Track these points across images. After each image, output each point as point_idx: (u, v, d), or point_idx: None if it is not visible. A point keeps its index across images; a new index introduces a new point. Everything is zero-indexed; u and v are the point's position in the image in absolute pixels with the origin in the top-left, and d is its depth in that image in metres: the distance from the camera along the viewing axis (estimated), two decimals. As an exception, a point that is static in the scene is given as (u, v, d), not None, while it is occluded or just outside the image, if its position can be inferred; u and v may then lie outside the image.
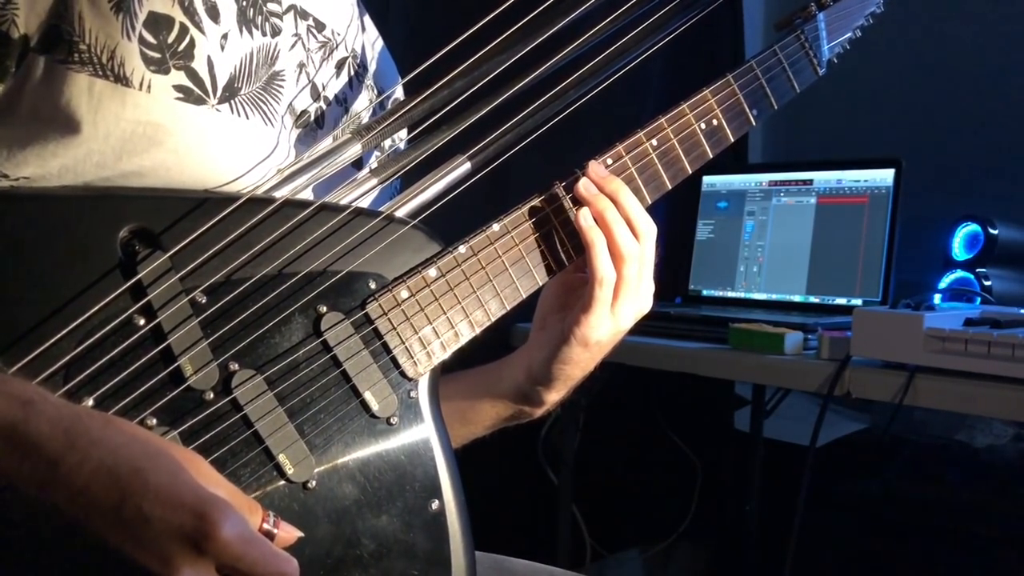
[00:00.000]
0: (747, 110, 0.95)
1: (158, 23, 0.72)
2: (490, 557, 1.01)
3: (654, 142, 0.90)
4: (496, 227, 0.84)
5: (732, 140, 0.95)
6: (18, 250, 0.67)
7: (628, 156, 0.89)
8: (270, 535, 0.62)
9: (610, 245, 0.84)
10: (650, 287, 0.88)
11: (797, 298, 1.88)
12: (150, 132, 0.71)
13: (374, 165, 0.87)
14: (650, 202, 0.90)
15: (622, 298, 0.85)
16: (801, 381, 1.50)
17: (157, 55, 0.72)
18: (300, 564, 0.62)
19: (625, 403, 2.20)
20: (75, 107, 0.70)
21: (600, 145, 0.90)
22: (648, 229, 0.86)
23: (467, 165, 0.84)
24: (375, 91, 0.95)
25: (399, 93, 0.97)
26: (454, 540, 0.77)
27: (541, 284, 0.86)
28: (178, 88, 0.73)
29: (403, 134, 0.91)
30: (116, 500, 0.55)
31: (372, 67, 0.95)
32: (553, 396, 0.93)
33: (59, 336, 0.66)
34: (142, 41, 0.71)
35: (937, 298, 1.71)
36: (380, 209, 0.80)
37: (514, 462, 2.12)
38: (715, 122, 0.93)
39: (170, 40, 0.73)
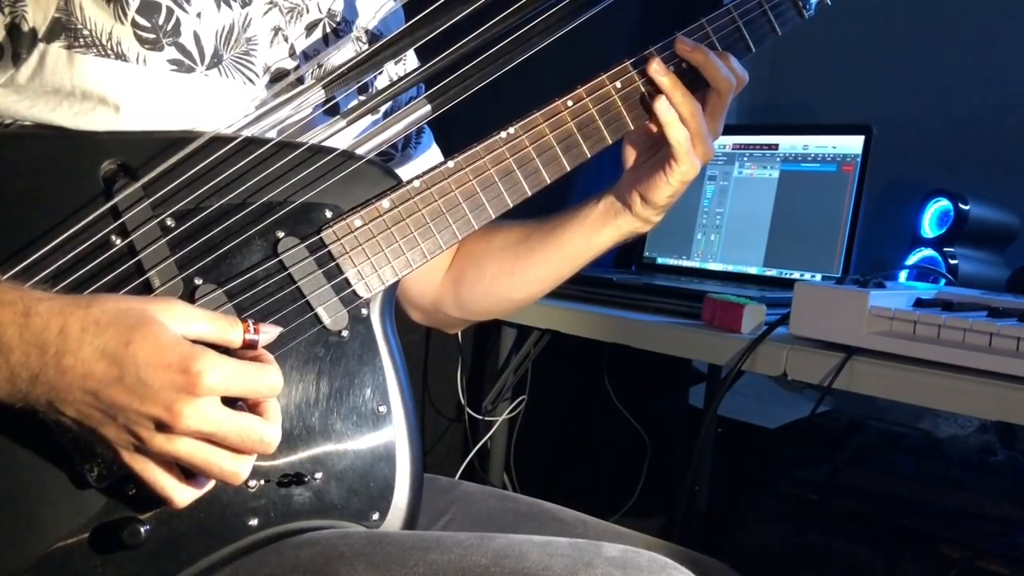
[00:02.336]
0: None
1: (149, 9, 0.84)
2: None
3: (618, 84, 0.92)
4: (451, 164, 0.89)
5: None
6: (11, 179, 0.79)
7: (589, 98, 0.92)
8: (254, 343, 0.74)
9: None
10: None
11: (754, 271, 1.77)
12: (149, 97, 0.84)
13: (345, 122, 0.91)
14: (610, 142, 0.94)
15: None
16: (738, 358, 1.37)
17: (151, 36, 0.84)
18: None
19: (572, 371, 2.10)
20: (84, 82, 0.82)
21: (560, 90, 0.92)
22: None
23: (427, 107, 0.90)
24: (366, 41, 1.00)
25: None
26: (400, 439, 0.85)
27: (495, 217, 0.91)
28: (171, 61, 0.85)
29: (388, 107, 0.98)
30: (117, 373, 0.69)
31: (365, 19, 1.02)
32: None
33: (47, 248, 0.77)
34: (135, 25, 0.83)
35: (903, 276, 1.60)
36: (336, 146, 0.87)
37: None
38: (684, 66, 0.92)
39: (160, 22, 0.84)
